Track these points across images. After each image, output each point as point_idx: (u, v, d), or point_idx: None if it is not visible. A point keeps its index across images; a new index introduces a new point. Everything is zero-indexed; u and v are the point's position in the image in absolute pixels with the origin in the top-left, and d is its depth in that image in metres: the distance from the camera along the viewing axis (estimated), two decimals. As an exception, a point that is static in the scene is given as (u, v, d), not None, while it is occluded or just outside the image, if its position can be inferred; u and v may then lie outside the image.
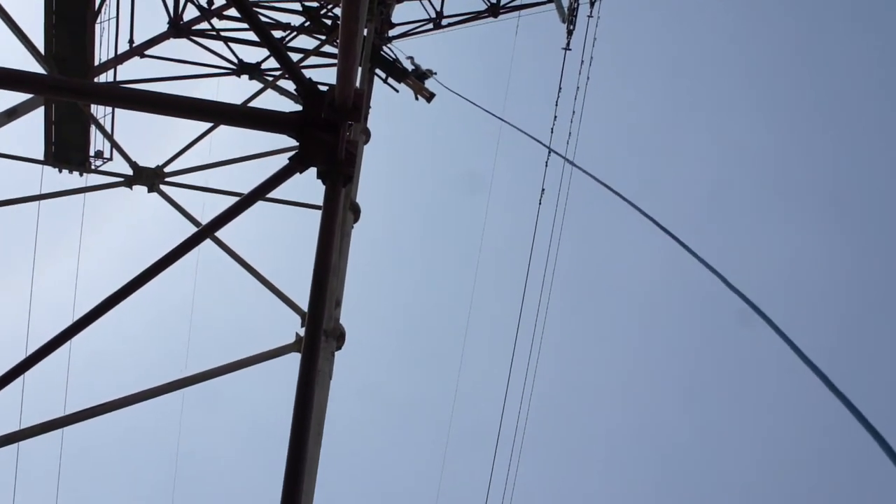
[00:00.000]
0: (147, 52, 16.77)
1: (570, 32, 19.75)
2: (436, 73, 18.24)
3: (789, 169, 39.34)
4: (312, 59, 17.44)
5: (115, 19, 15.18)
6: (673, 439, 37.57)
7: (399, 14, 18.90)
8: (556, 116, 19.31)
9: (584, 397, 40.14)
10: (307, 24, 18.10)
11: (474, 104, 14.49)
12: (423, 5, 19.31)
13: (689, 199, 40.25)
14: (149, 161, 14.66)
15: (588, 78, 19.29)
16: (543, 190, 18.83)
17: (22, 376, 6.98)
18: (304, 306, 11.88)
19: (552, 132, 19.38)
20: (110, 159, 15.27)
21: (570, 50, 19.53)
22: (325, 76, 17.99)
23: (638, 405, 39.20)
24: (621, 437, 38.98)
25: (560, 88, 19.39)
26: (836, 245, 38.59)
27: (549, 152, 10.57)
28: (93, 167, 15.24)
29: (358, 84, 5.59)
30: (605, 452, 38.53)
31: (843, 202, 38.26)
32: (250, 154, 15.18)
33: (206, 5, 17.95)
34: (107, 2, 14.74)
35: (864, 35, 38.14)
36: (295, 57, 16.79)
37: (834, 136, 38.61)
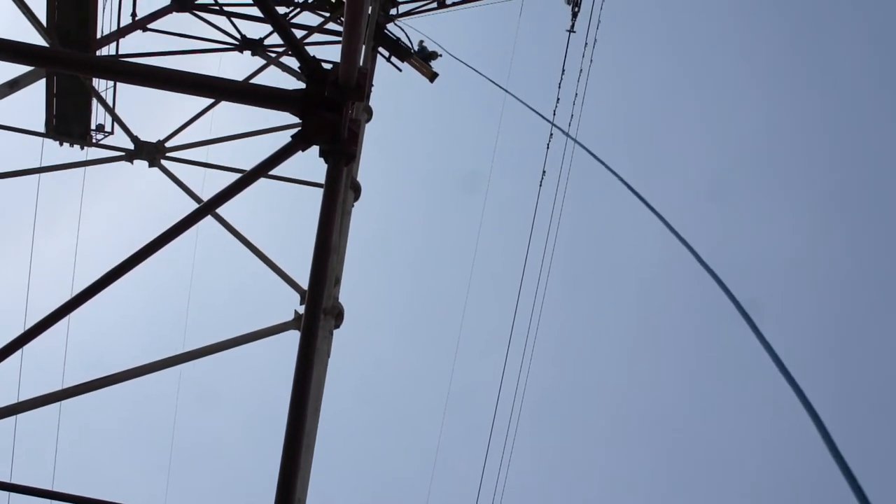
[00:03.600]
0: (150, 26, 16.68)
1: (574, 14, 19.65)
2: (441, 56, 18.17)
3: (795, 156, 39.21)
4: (316, 37, 17.35)
5: (118, -8, 15.10)
6: (671, 430, 37.56)
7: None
8: (558, 98, 19.26)
9: (582, 381, 40.23)
10: (311, 0, 18.00)
11: (481, 73, 14.44)
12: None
13: (691, 183, 40.20)
14: (150, 135, 14.63)
15: (591, 60, 19.23)
16: (544, 172, 18.80)
17: (21, 349, 6.98)
18: (303, 283, 11.88)
19: (554, 114, 19.33)
20: (111, 133, 15.24)
21: (574, 32, 19.45)
22: (328, 53, 17.92)
23: (635, 389, 39.26)
24: (617, 422, 39.10)
25: (563, 70, 19.32)
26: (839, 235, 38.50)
27: (552, 128, 10.60)
28: (94, 141, 15.20)
29: (361, 62, 5.56)
30: (600, 441, 38.62)
31: (848, 193, 38.11)
32: (252, 130, 15.14)
33: (209, -20, 17.84)
34: (109, -26, 14.65)
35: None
36: (298, 34, 16.70)
37: (844, 130, 38.44)
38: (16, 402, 8.95)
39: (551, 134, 18.36)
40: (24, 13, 12.83)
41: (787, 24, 39.37)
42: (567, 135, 9.80)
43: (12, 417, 8.98)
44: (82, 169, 15.23)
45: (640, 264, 38.82)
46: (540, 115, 10.36)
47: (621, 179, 7.34)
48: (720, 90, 40.94)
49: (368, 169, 14.81)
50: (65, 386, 9.30)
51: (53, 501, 8.73)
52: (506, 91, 12.03)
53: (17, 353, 7.08)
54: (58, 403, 9.49)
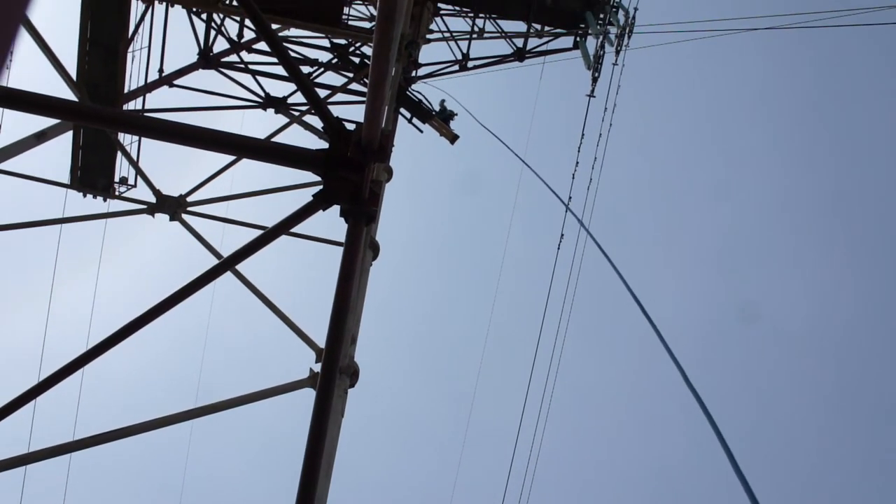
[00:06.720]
0: (176, 82, 16.96)
1: (594, 79, 19.82)
2: (458, 115, 18.35)
3: (818, 222, 39.11)
4: (339, 96, 17.57)
5: (146, 48, 15.38)
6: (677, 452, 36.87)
7: (426, 54, 19.07)
8: (577, 162, 19.35)
9: (597, 434, 39.72)
10: (335, 60, 18.27)
11: (502, 141, 14.61)
12: (449, 47, 19.49)
13: (709, 246, 40.08)
14: (172, 188, 14.79)
15: (611, 125, 19.34)
16: (563, 236, 18.80)
17: (34, 400, 6.98)
18: (319, 340, 11.85)
19: (573, 178, 19.41)
20: (134, 186, 15.39)
21: (594, 97, 19.60)
22: (350, 113, 18.14)
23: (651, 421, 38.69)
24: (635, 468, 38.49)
25: (583, 135, 19.44)
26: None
27: (567, 210, 10.78)
28: (117, 193, 15.36)
29: (384, 124, 5.62)
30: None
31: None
32: (273, 187, 15.28)
33: (235, 38, 18.18)
34: (139, 31, 14.95)
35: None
36: (321, 93, 16.93)
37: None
38: (26, 452, 8.91)
39: (562, 235, 18.51)
40: (54, 66, 13.08)
41: (807, 88, 39.53)
42: (581, 223, 9.93)
43: (21, 468, 8.93)
44: (104, 220, 15.38)
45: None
46: (555, 193, 10.54)
47: (620, 276, 7.42)
48: (735, 154, 41.08)
49: (385, 226, 14.87)
50: (76, 437, 9.27)
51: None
52: (524, 163, 12.18)
53: (30, 403, 7.07)
54: (68, 455, 9.44)
